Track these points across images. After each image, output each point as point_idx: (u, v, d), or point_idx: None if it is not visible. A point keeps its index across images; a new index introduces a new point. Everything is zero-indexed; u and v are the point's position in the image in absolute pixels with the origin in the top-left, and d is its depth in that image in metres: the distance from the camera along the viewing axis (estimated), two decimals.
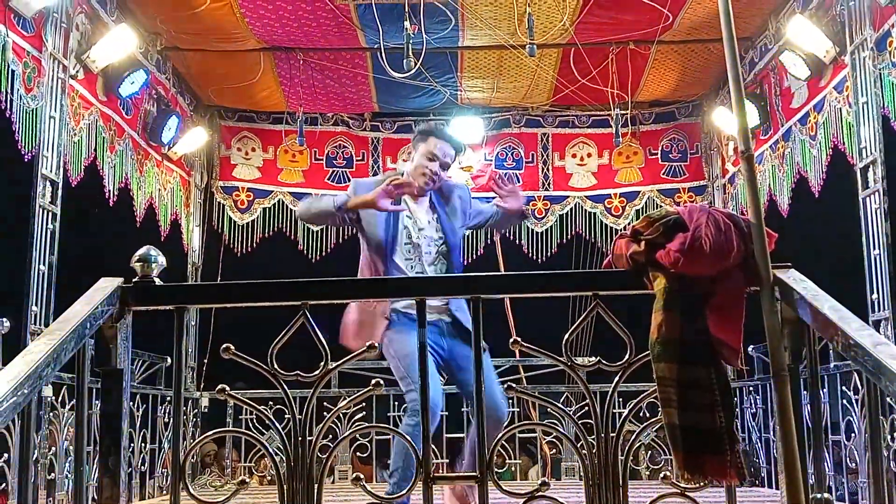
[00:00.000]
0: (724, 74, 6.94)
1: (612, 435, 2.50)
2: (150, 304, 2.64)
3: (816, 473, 2.53)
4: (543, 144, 8.28)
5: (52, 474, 4.75)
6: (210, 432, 3.16)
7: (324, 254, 7.97)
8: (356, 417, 6.68)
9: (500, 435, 2.81)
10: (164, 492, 6.24)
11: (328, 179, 8.15)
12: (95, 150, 5.87)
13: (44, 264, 4.95)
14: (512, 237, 8.09)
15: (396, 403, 7.07)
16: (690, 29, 6.50)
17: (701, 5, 6.07)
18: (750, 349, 6.13)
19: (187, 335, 7.46)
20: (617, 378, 2.53)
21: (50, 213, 5.05)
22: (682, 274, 2.42)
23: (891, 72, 4.95)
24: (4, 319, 4.35)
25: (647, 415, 4.87)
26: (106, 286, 2.55)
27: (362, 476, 2.60)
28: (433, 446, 2.80)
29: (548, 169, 8.23)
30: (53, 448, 4.78)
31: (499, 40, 6.62)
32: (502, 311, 7.80)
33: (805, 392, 2.64)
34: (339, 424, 6.44)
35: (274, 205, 8.05)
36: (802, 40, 5.74)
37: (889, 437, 4.35)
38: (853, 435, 4.93)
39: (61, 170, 5.23)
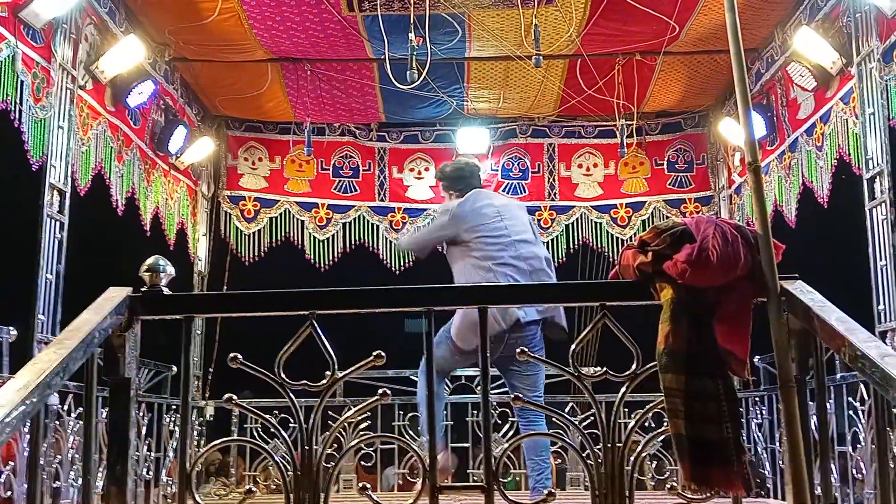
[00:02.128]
0: (731, 85, 6.97)
1: (618, 445, 2.50)
2: (159, 314, 2.65)
3: (823, 484, 2.52)
4: (549, 155, 8.29)
5: (57, 482, 4.75)
6: (217, 441, 3.16)
7: (331, 263, 7.99)
8: (361, 427, 6.67)
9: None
10: (169, 500, 6.23)
11: (335, 189, 8.17)
12: (103, 159, 5.89)
13: (51, 273, 4.97)
14: None
15: (401, 413, 7.07)
16: (697, 40, 6.51)
17: (707, 17, 6.08)
18: (756, 360, 6.11)
19: (193, 344, 7.45)
20: (624, 389, 2.54)
21: (58, 223, 5.07)
22: (690, 285, 2.42)
23: None
24: (11, 328, 4.36)
25: (653, 425, 4.86)
26: (115, 296, 2.57)
27: (368, 486, 2.60)
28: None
29: (554, 179, 8.24)
30: (59, 456, 4.79)
31: (505, 51, 6.64)
32: None
33: (812, 403, 2.64)
34: (344, 434, 6.44)
35: (280, 214, 8.07)
36: (809, 51, 5.75)
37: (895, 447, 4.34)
38: (859, 446, 4.91)
39: (69, 179, 5.25)
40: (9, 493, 4.23)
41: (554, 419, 4.92)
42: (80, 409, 4.48)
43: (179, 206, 7.38)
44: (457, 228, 5.06)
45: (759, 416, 6.39)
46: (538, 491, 4.61)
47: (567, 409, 6.76)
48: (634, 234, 7.89)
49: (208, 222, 7.98)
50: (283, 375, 2.49)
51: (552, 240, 8.05)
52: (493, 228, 5.01)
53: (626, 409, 4.84)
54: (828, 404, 4.71)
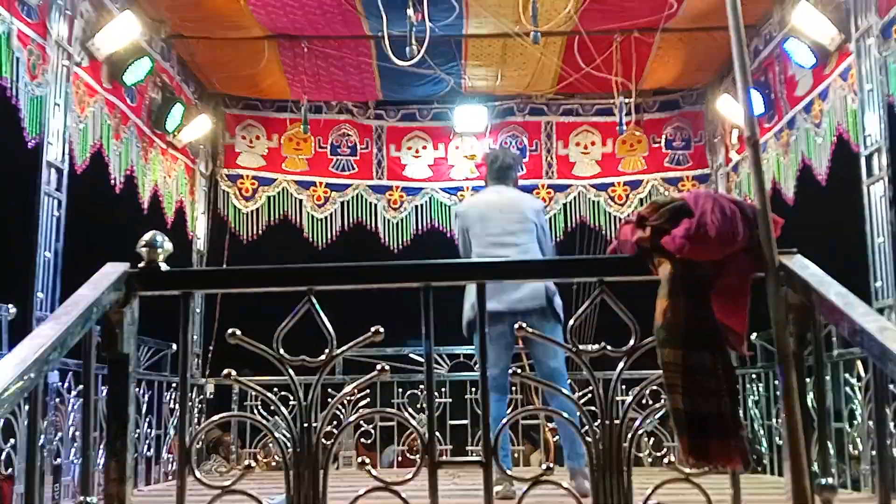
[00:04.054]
0: (729, 62, 6.93)
1: (616, 421, 2.50)
2: (157, 290, 2.64)
3: (821, 459, 2.53)
4: (547, 133, 8.27)
5: (59, 460, 4.77)
6: (216, 416, 3.17)
7: (329, 242, 7.99)
8: (361, 404, 6.70)
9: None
10: (170, 477, 6.26)
11: (332, 168, 8.16)
12: (100, 137, 5.88)
13: (49, 251, 4.97)
14: None
15: (401, 390, 7.09)
16: (695, 17, 6.47)
17: None
18: (753, 337, 6.12)
19: (193, 322, 7.45)
20: (621, 364, 2.54)
21: (55, 201, 5.07)
22: (688, 259, 2.42)
23: None
24: (10, 306, 4.37)
25: (651, 402, 4.87)
26: (112, 271, 2.56)
27: (367, 461, 2.61)
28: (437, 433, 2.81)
29: (551, 157, 8.22)
30: (60, 434, 4.80)
31: (503, 28, 6.60)
32: None
33: (809, 379, 2.64)
34: (343, 411, 6.46)
35: (278, 193, 8.06)
36: (807, 28, 5.72)
37: (893, 423, 4.35)
38: (856, 422, 4.93)
39: (66, 157, 5.24)
40: (10, 469, 4.25)
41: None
42: (81, 386, 4.49)
43: (178, 185, 7.37)
44: (464, 228, 5.32)
45: (755, 392, 6.41)
46: (573, 459, 4.92)
47: None
48: (632, 212, 7.87)
49: (206, 201, 7.97)
50: (281, 351, 2.49)
51: (549, 218, 8.02)
52: (475, 233, 5.21)
53: (623, 387, 4.86)
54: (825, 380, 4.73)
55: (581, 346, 2.60)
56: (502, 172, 5.40)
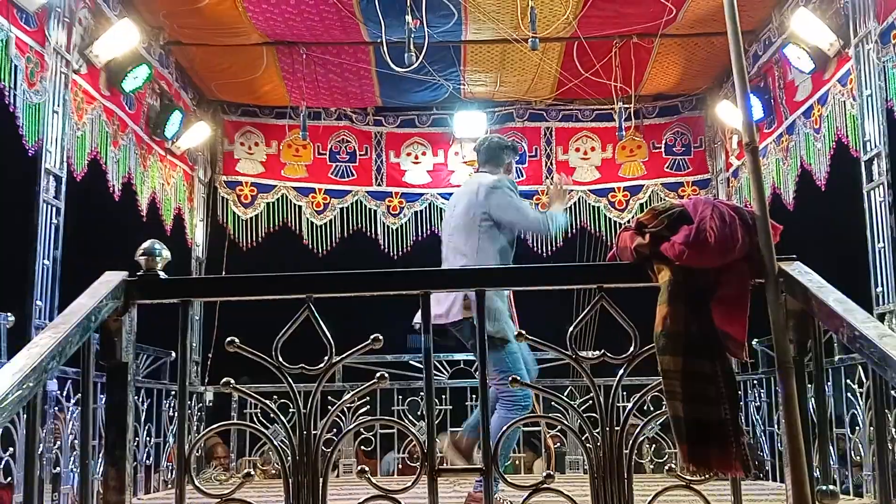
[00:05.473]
0: (728, 68, 6.92)
1: (616, 428, 2.49)
2: (155, 298, 2.64)
3: (822, 466, 2.52)
4: (547, 138, 8.27)
5: (58, 468, 4.76)
6: (216, 425, 3.16)
7: (329, 248, 7.98)
8: (360, 412, 6.69)
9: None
10: (169, 485, 6.25)
11: (331, 174, 8.16)
12: (99, 144, 5.88)
13: (48, 259, 4.96)
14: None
15: (400, 398, 7.08)
16: (694, 22, 6.48)
17: None
18: (754, 343, 6.11)
19: (192, 330, 7.45)
20: (621, 371, 2.53)
21: (54, 208, 5.06)
22: (687, 266, 2.41)
23: (895, 64, 4.94)
24: (9, 314, 4.36)
25: (652, 408, 4.87)
26: (111, 280, 2.55)
27: (367, 469, 2.60)
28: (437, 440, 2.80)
29: (551, 163, 8.22)
30: (58, 442, 4.79)
31: (502, 34, 6.61)
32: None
33: (810, 385, 2.64)
34: (343, 419, 6.45)
35: (277, 199, 8.05)
36: (806, 33, 5.73)
37: (894, 429, 4.35)
38: (857, 428, 4.92)
39: (65, 164, 5.24)
40: (9, 478, 4.24)
41: (553, 402, 4.96)
42: (79, 395, 4.48)
43: (176, 192, 7.37)
44: None
45: (757, 399, 6.40)
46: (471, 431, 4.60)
47: (566, 393, 6.77)
48: (632, 217, 7.87)
49: (205, 208, 7.97)
50: (280, 359, 2.48)
51: None
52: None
53: (624, 393, 4.86)
54: (826, 387, 4.72)
55: (581, 353, 2.59)
56: (478, 156, 5.18)
